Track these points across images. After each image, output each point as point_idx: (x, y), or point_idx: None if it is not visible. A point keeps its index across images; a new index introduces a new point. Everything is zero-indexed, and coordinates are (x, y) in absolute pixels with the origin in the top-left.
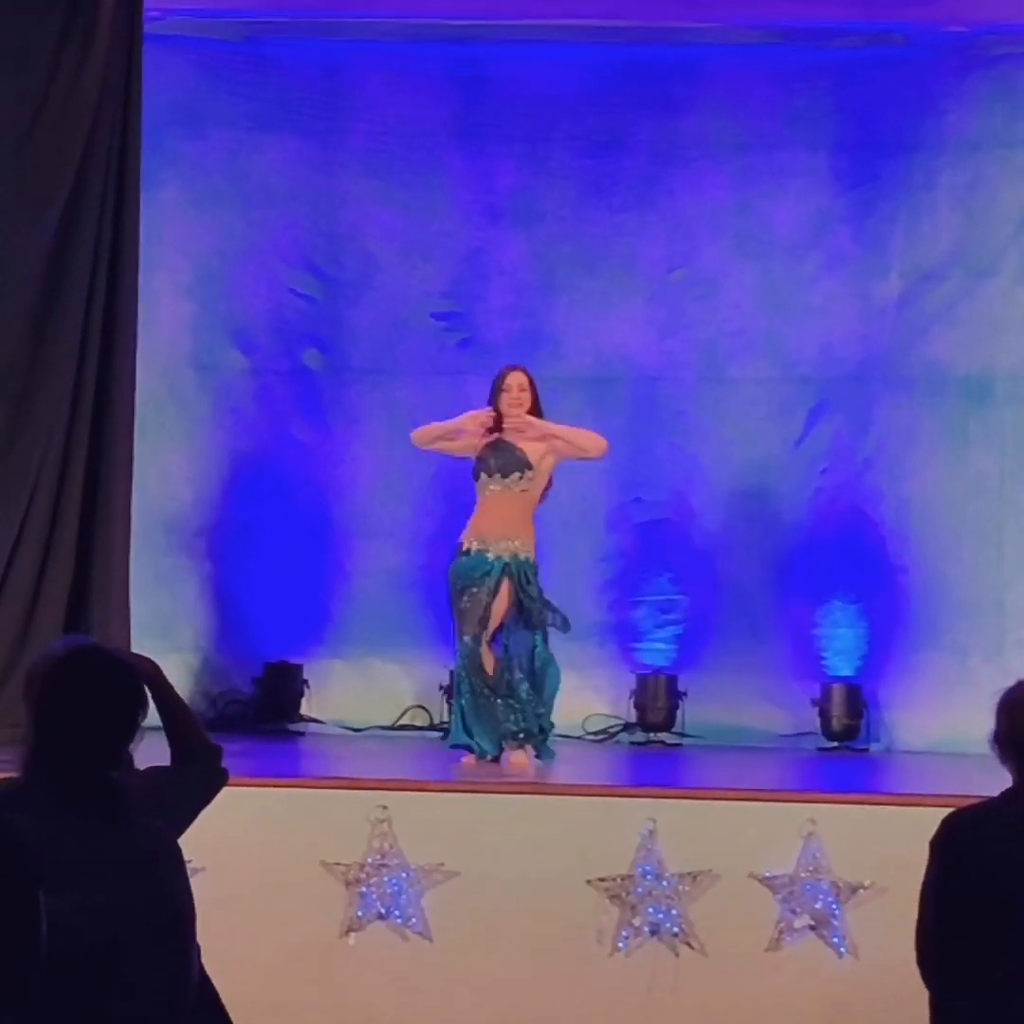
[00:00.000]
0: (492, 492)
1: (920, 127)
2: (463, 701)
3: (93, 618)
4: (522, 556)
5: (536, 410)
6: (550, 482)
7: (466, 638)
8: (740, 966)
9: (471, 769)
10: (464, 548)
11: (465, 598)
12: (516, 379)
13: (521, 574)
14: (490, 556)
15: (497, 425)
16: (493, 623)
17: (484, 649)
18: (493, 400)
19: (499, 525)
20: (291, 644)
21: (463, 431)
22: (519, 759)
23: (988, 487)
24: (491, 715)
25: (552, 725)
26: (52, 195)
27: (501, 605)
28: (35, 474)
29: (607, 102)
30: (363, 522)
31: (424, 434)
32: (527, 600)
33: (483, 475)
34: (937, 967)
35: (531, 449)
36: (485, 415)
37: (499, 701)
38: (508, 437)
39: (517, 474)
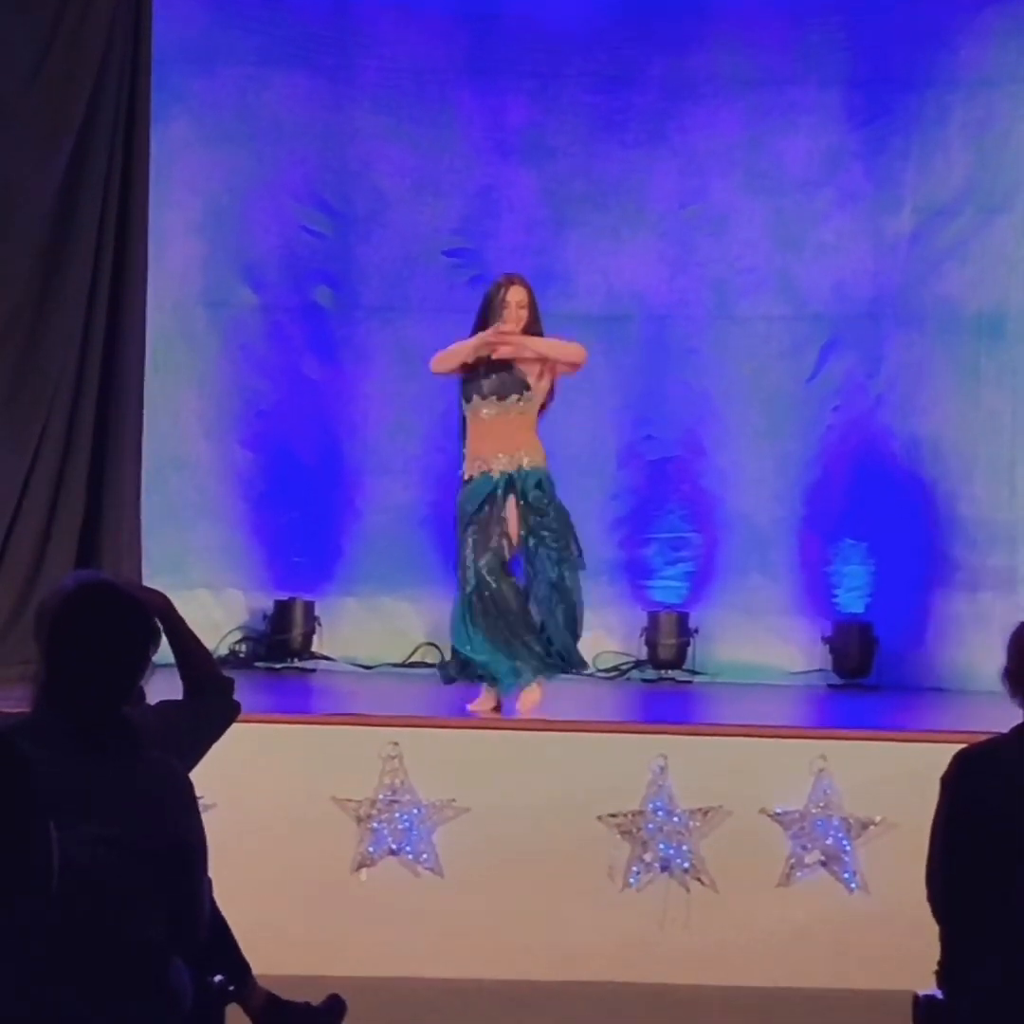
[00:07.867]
0: (486, 415)
1: (933, 63)
2: (475, 633)
3: (104, 555)
4: (528, 466)
5: (535, 328)
6: (552, 394)
7: (480, 563)
8: (751, 901)
9: (485, 707)
10: (466, 477)
11: (474, 526)
12: (516, 295)
13: (524, 483)
14: (494, 475)
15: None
16: (510, 543)
17: (502, 575)
18: (487, 315)
19: (499, 443)
20: (302, 581)
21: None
22: (531, 698)
23: (1000, 425)
24: (507, 649)
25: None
26: (62, 132)
27: (511, 520)
28: (46, 411)
29: (618, 38)
30: (374, 459)
31: (446, 361)
32: (537, 512)
33: (476, 397)
34: (947, 902)
35: (528, 367)
36: (494, 334)
37: (512, 636)
38: (501, 357)
39: (516, 396)
